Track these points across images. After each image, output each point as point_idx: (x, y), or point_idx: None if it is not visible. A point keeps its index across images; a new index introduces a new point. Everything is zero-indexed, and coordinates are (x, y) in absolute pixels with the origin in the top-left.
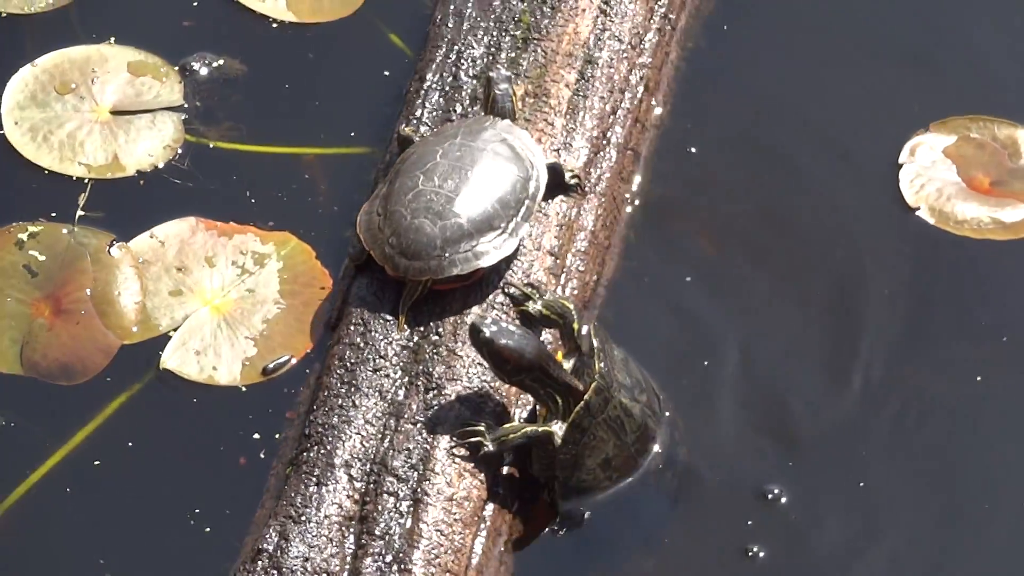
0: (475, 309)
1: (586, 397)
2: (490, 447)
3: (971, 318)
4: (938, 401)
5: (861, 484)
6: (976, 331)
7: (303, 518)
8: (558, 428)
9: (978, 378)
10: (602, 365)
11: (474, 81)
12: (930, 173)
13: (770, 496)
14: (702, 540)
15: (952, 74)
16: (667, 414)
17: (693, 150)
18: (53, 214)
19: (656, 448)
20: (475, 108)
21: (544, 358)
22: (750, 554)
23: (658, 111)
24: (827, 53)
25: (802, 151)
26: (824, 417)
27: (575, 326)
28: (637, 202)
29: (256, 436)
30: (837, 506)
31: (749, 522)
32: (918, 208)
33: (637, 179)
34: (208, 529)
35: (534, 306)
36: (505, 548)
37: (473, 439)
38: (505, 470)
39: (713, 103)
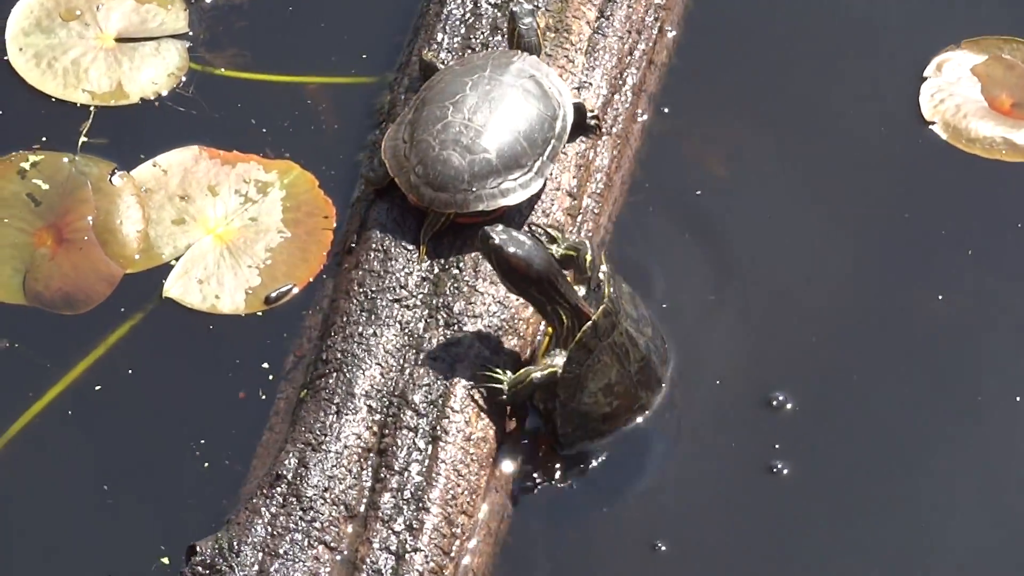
0: None
1: (594, 318)
2: (505, 397)
3: (967, 235)
4: (936, 315)
5: (866, 391)
6: (970, 250)
7: (322, 446)
8: (560, 360)
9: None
10: (611, 291)
11: (495, 10)
12: (953, 89)
13: (775, 403)
14: (710, 469)
15: None
16: (670, 366)
17: (704, 78)
18: (56, 141)
19: (659, 389)
20: (496, 38)
21: (553, 272)
22: (774, 470)
23: (670, 38)
24: None
25: (822, 66)
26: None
27: (587, 257)
28: (642, 137)
29: (265, 365)
30: (846, 415)
31: (761, 435)
32: (933, 122)
33: (645, 116)
34: (210, 457)
35: (558, 249)
36: (508, 492)
37: (492, 384)
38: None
39: (726, 31)
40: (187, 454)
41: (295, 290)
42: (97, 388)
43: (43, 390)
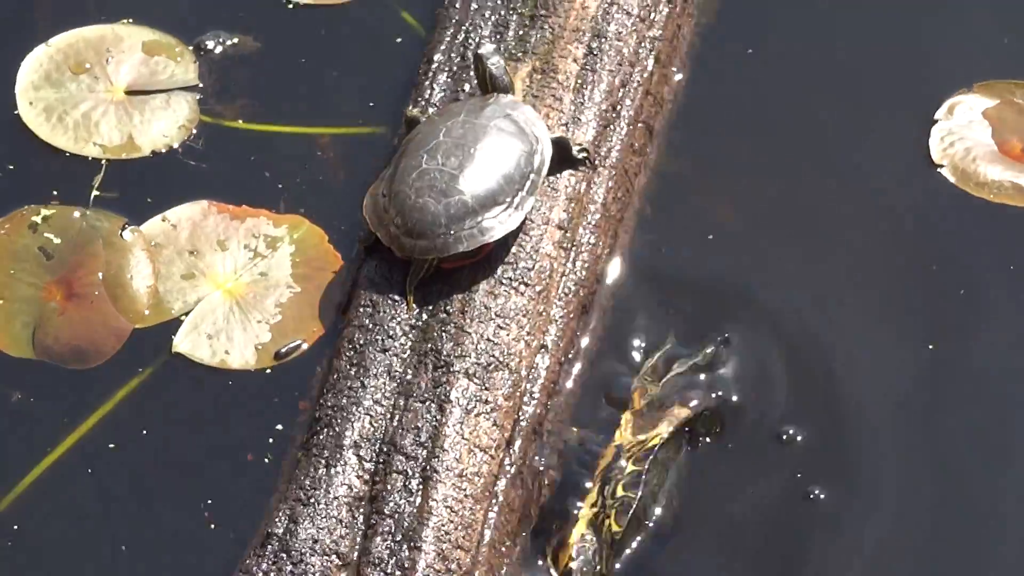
0: (483, 285)
1: None
2: None
3: (967, 279)
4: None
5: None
6: (966, 292)
7: (312, 500)
8: None
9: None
10: None
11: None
12: (963, 132)
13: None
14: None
15: (1007, 36)
16: None
17: (712, 118)
18: (67, 195)
19: None
20: (474, 84)
21: None
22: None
23: (677, 80)
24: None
25: (832, 107)
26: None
27: None
28: (652, 175)
29: (279, 427)
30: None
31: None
32: (942, 165)
33: (651, 152)
34: (219, 517)
35: None
36: (519, 523)
37: None
38: (518, 447)
39: (732, 71)
40: (196, 514)
41: (304, 345)
42: (111, 446)
43: (52, 445)
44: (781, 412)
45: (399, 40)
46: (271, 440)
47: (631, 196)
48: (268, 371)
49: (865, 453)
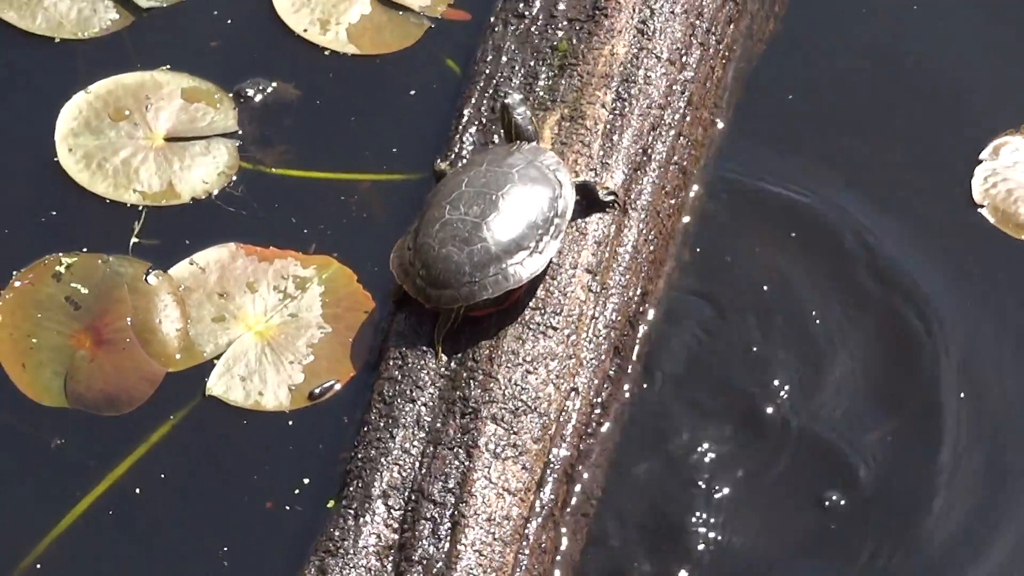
0: (511, 331)
1: None
2: None
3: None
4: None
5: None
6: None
7: (340, 551)
8: None
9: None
10: None
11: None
12: (1007, 173)
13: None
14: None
15: None
16: None
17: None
18: (106, 242)
19: None
20: (501, 133)
21: None
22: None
23: (718, 126)
24: (917, 46)
25: (879, 147)
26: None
27: None
28: (691, 218)
29: (306, 481)
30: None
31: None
32: (983, 205)
33: (684, 194)
34: (238, 563)
35: None
36: (552, 563)
37: None
38: (549, 489)
39: (772, 112)
40: (231, 564)
41: (338, 386)
42: (137, 491)
43: (87, 491)
44: None
45: (442, 91)
46: (297, 491)
47: (666, 239)
48: (303, 411)
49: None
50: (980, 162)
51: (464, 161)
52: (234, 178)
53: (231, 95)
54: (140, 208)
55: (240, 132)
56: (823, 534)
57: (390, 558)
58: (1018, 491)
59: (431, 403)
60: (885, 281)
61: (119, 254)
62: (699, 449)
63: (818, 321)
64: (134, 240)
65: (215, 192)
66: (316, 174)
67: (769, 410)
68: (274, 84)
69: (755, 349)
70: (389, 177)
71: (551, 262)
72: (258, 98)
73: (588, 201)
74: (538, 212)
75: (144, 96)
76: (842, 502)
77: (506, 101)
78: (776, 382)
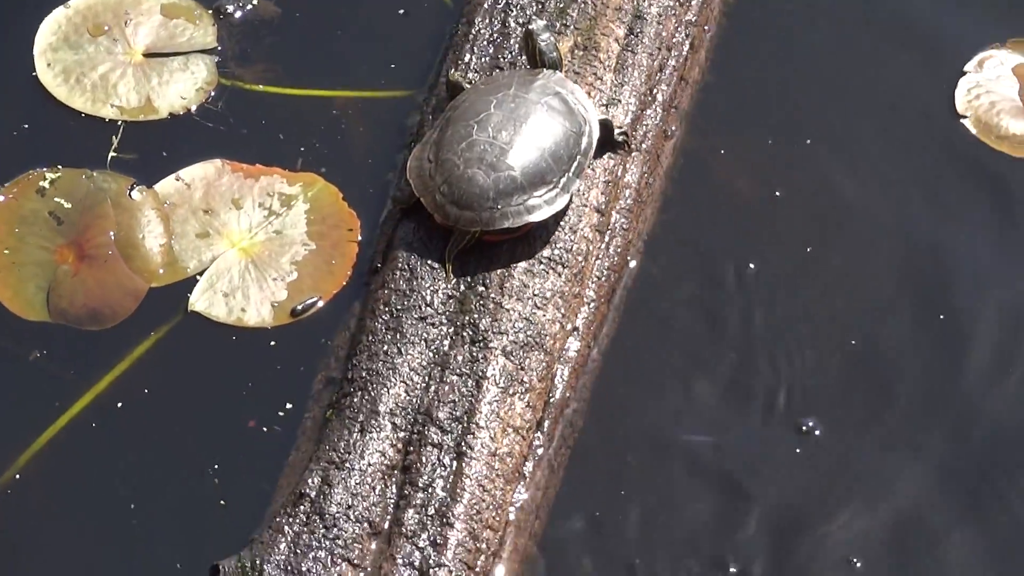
0: (522, 263)
1: None
2: None
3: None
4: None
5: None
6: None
7: (346, 464)
8: None
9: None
10: None
11: (523, 29)
12: (991, 86)
13: (805, 429)
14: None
15: None
16: None
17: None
18: (84, 156)
19: None
20: (523, 58)
21: None
22: None
23: (703, 55)
24: None
25: (862, 70)
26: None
27: None
28: (675, 154)
29: (289, 406)
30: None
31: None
32: (965, 116)
33: (676, 132)
34: (237, 476)
35: None
36: (542, 504)
37: None
38: (547, 428)
39: (758, 49)
40: (214, 472)
41: (320, 303)
42: (119, 405)
43: (68, 405)
44: None
45: (423, 7)
46: (281, 412)
47: (661, 180)
48: (286, 327)
49: None
50: (964, 74)
51: (486, 78)
52: (212, 94)
53: (211, 11)
54: (118, 123)
55: (220, 49)
56: (802, 456)
57: (393, 479)
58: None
59: (439, 324)
60: (867, 195)
61: (98, 168)
62: (683, 383)
63: (808, 249)
64: (112, 154)
65: (193, 108)
66: (297, 91)
67: (751, 342)
68: (254, 1)
69: (736, 287)
70: (373, 95)
71: (571, 200)
72: (238, 15)
73: (603, 139)
74: (564, 148)
75: (123, 12)
76: (817, 431)
77: (530, 27)
78: (759, 318)
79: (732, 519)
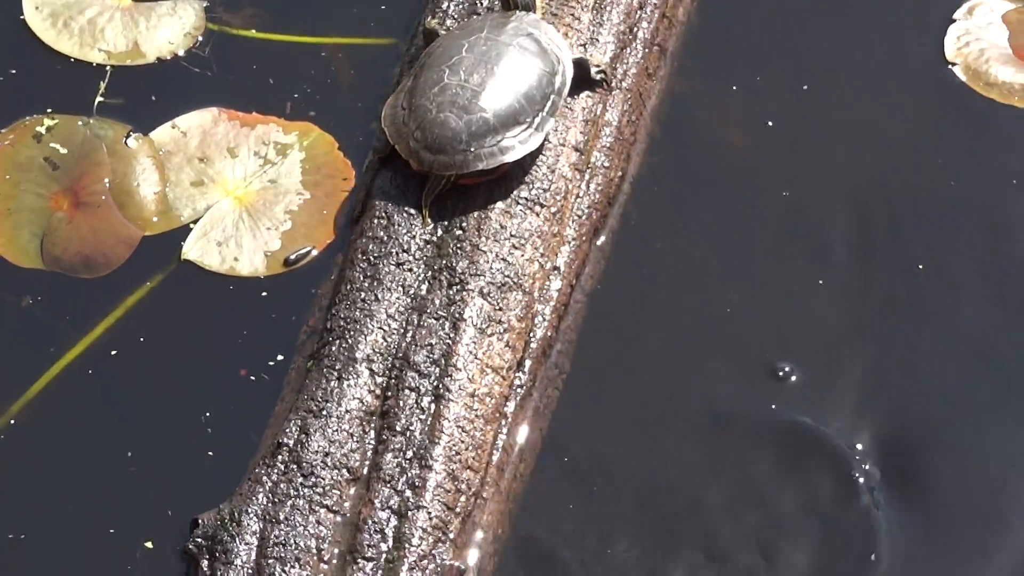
0: (499, 204)
1: None
2: None
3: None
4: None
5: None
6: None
7: (324, 412)
8: None
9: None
10: None
11: None
12: (980, 33)
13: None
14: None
15: None
16: None
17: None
18: (72, 101)
19: None
20: (497, 3)
21: None
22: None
23: (685, 5)
24: None
25: (851, 13)
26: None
27: None
28: (662, 97)
29: (280, 357)
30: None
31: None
32: (954, 64)
33: (662, 74)
34: (225, 426)
35: None
36: (526, 444)
37: None
38: (528, 368)
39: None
40: (203, 423)
41: (314, 252)
42: (113, 352)
43: (62, 352)
44: None
45: None
46: (271, 362)
47: (643, 119)
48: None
49: None
50: (954, 21)
51: (460, 24)
52: (200, 39)
53: None
54: (106, 67)
55: None
56: (780, 393)
57: (371, 424)
58: None
59: (417, 269)
60: (855, 139)
61: (87, 114)
62: (668, 320)
63: (786, 193)
64: (99, 99)
65: (181, 52)
66: (285, 37)
67: (737, 280)
68: None
69: (722, 227)
70: (361, 41)
71: (546, 139)
72: None
73: (579, 78)
74: (537, 87)
75: None
76: (793, 377)
77: None
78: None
79: (719, 459)
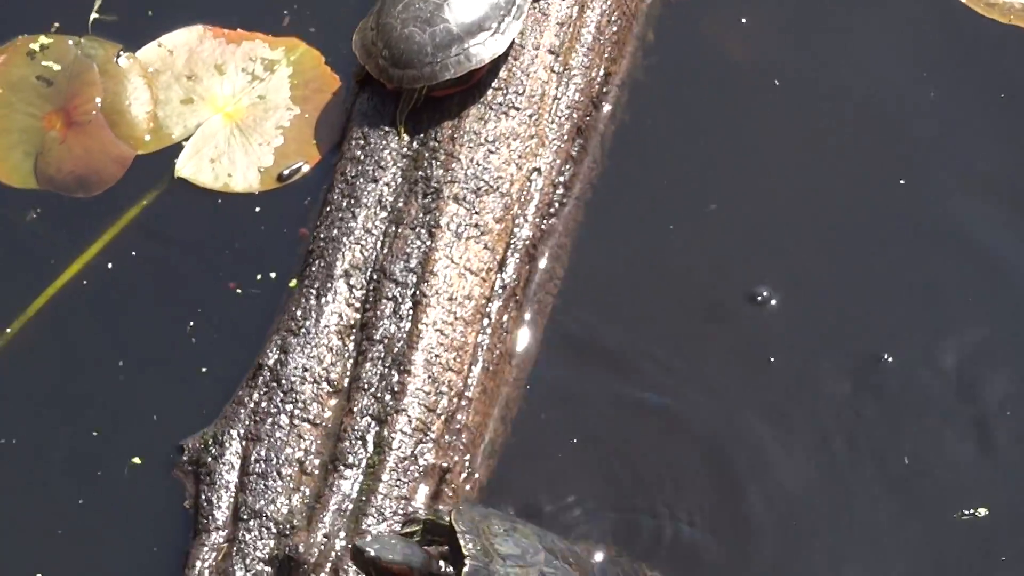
0: (473, 111)
1: None
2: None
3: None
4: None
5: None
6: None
7: (302, 330)
8: None
9: None
10: (471, 547)
11: None
12: None
13: (759, 299)
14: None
15: None
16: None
17: None
18: (66, 19)
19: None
20: None
21: (428, 563)
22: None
23: None
24: None
25: None
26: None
27: (445, 520)
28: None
29: (273, 275)
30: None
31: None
32: None
33: None
34: (219, 345)
35: (417, 533)
36: (510, 345)
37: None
38: (512, 268)
39: None
40: (198, 342)
41: (306, 167)
42: (109, 266)
43: (60, 268)
44: None
45: None
46: (259, 276)
47: (629, 20)
48: (258, 201)
49: None
50: None
51: None
52: None
53: None
54: None
55: None
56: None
57: (351, 337)
58: None
59: (393, 183)
60: (855, 62)
61: (82, 33)
62: (661, 224)
63: (777, 82)
64: (94, 15)
65: None
66: None
67: (736, 195)
68: None
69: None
70: None
71: (513, 43)
72: None
73: None
74: None
75: None
76: (772, 301)
77: None
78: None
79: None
